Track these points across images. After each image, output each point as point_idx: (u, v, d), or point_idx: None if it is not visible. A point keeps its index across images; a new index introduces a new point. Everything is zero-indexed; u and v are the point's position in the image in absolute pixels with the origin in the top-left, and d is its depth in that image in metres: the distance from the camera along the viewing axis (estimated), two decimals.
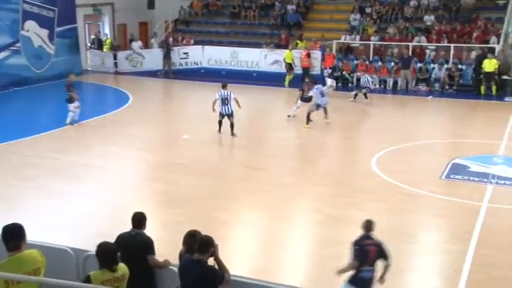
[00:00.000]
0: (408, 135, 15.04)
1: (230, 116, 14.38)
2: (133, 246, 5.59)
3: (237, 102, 14.39)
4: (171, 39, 25.99)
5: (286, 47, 24.82)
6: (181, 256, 5.51)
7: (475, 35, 22.46)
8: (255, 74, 23.74)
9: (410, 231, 9.19)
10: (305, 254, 8.13)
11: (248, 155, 13.59)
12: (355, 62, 23.08)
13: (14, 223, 4.67)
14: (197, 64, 25.48)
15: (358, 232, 8.68)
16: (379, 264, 6.26)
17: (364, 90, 19.60)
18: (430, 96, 20.66)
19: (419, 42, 22.99)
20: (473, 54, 21.83)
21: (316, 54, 22.97)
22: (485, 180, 11.30)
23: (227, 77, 23.44)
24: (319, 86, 16.70)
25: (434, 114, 18.55)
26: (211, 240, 5.17)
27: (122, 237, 5.70)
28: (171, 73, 24.70)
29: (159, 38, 26.89)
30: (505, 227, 9.11)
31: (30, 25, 23.03)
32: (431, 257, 8.35)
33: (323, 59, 22.74)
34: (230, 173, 11.99)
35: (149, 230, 5.91)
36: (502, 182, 11.23)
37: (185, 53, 25.59)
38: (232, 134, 14.44)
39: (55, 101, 20.75)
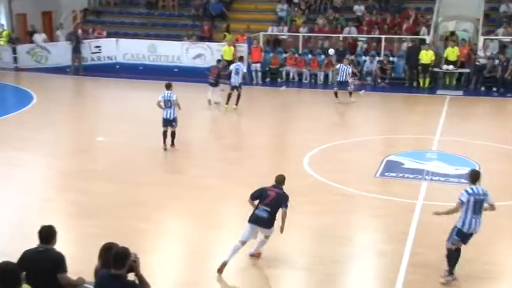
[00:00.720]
0: (341, 132, 15.48)
1: (171, 122, 13.31)
2: (41, 264, 5.40)
3: (178, 105, 13.35)
4: (80, 31, 25.26)
5: (210, 39, 24.82)
6: (96, 272, 5.40)
7: (405, 26, 23.46)
8: (176, 70, 23.54)
9: (346, 233, 9.45)
10: (235, 263, 8.16)
11: (169, 157, 13.45)
12: (284, 55, 23.47)
13: None
14: (111, 59, 24.93)
15: (291, 237, 8.83)
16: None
17: (351, 88, 18.95)
18: (363, 91, 21.37)
19: (349, 33, 23.72)
20: (404, 46, 22.80)
21: (243, 47, 23.13)
22: (420, 177, 11.84)
23: (145, 73, 23.24)
24: (240, 64, 18.00)
25: (367, 109, 19.21)
26: (127, 252, 5.11)
27: (28, 255, 5.51)
28: (81, 69, 24.01)
29: (66, 29, 26.05)
30: (440, 224, 9.55)
31: None
32: (367, 259, 8.63)
33: (250, 53, 22.93)
34: (150, 178, 11.82)
35: (60, 245, 5.74)
36: (437, 178, 11.80)
37: (97, 47, 24.97)
38: (173, 144, 13.42)
39: None
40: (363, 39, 23.61)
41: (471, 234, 7.55)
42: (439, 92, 21.15)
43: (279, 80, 23.09)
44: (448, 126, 15.90)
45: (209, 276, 7.76)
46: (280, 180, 8.13)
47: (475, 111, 18.85)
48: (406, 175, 11.98)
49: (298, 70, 22.84)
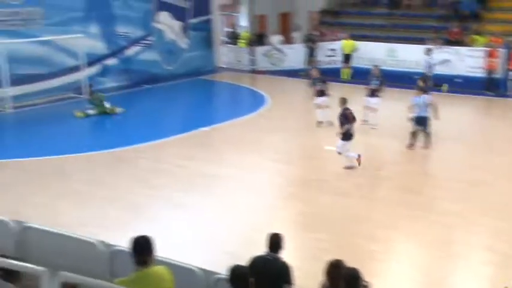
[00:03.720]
0: None
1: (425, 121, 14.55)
2: (269, 273, 5.72)
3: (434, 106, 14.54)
4: (317, 33, 26.18)
5: (458, 43, 23.87)
6: None
7: None
8: (416, 77, 22.84)
9: None
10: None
11: (402, 171, 13.20)
12: None
13: (144, 236, 5.04)
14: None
15: None
16: None
17: None
18: None
19: None
20: None
21: (499, 52, 21.70)
22: None
23: (391, 80, 22.36)
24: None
25: None
26: (359, 275, 5.18)
27: (257, 261, 5.84)
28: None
29: (303, 31, 27.23)
30: None
31: (163, 16, 24.76)
32: None
33: (509, 59, 21.45)
34: (379, 193, 11.78)
35: (285, 256, 6.02)
36: None
37: (332, 50, 25.67)
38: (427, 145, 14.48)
39: (186, 101, 22.18)
40: None
41: None
42: None
43: None
44: None
45: None
46: (343, 101, 13.08)
47: None
48: None
49: None
